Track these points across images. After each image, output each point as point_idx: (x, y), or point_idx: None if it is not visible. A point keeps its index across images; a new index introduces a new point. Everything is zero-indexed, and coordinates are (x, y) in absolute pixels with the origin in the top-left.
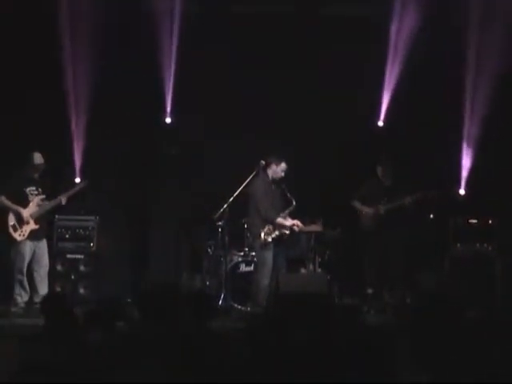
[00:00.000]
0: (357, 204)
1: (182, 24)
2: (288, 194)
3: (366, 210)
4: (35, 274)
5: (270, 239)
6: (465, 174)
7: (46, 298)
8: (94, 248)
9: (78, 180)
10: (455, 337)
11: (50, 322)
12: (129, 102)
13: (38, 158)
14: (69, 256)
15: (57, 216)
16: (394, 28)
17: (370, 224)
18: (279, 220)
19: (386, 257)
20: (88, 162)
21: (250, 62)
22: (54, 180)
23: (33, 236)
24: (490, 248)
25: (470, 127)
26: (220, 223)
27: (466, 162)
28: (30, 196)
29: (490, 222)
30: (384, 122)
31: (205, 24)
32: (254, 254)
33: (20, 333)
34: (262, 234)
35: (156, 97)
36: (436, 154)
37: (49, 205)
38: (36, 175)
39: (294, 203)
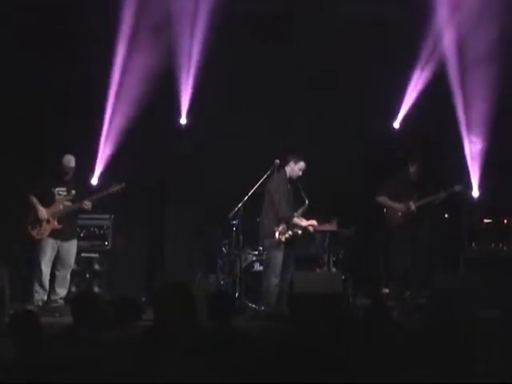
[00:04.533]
0: (385, 200)
1: (200, 27)
2: (302, 194)
3: (397, 207)
4: (57, 273)
5: (283, 239)
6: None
7: (75, 297)
8: (108, 247)
9: (95, 182)
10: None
11: (79, 321)
12: (144, 103)
13: (66, 161)
14: (84, 254)
15: None
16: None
17: (398, 221)
18: (295, 219)
19: (411, 255)
20: (102, 161)
21: (266, 62)
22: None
23: (56, 235)
24: (504, 248)
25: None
26: (235, 222)
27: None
28: (57, 196)
29: (505, 221)
30: (404, 123)
31: (221, 26)
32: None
33: None
34: (277, 234)
35: (171, 98)
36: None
37: (72, 207)
38: (66, 177)
39: (307, 203)
